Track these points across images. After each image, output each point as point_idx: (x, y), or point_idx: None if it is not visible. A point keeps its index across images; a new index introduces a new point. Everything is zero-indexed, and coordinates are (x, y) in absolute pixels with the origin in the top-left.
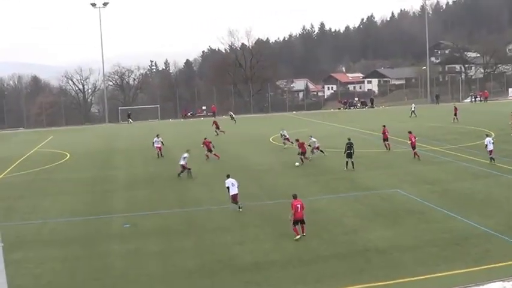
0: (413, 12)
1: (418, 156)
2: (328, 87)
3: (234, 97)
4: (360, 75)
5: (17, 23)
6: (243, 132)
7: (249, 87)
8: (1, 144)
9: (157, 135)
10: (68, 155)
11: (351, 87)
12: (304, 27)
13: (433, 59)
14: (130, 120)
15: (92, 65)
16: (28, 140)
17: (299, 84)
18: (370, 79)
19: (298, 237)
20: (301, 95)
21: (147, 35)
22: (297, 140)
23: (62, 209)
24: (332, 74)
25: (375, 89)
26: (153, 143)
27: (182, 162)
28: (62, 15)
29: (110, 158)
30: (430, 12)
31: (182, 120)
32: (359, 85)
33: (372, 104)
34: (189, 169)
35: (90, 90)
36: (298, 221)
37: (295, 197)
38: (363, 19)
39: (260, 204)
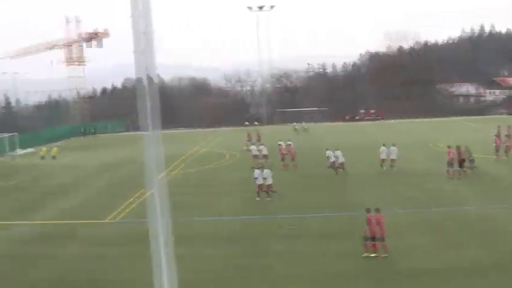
0: None
1: None
2: (490, 92)
3: (395, 100)
4: None
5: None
6: (402, 136)
7: (411, 90)
8: (169, 143)
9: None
10: (228, 155)
11: None
12: (464, 29)
13: None
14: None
15: (253, 67)
16: (193, 139)
17: (462, 88)
18: None
19: (366, 254)
20: (461, 99)
21: (307, 37)
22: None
23: (226, 207)
24: (495, 79)
25: None
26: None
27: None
28: (223, 18)
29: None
30: None
31: (343, 123)
32: None
33: None
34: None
35: (251, 92)
36: (373, 238)
37: (369, 210)
38: None
39: (422, 211)
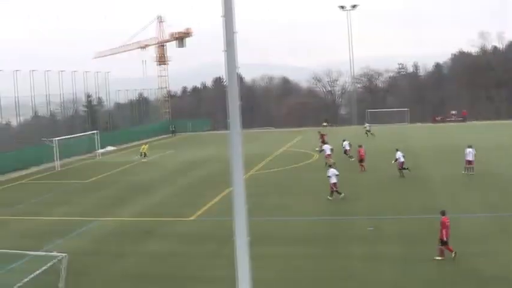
0: None
1: None
2: None
3: (484, 102)
4: None
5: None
6: (489, 138)
7: (501, 92)
8: (252, 142)
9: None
10: (316, 155)
11: None
12: None
13: None
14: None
15: (340, 67)
16: (277, 139)
17: None
18: None
19: (440, 258)
20: None
21: (395, 37)
22: None
23: (306, 208)
24: None
25: None
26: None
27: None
28: (312, 17)
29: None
30: None
31: (432, 124)
32: None
33: None
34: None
35: (339, 92)
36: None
37: (444, 213)
38: None
39: (502, 215)
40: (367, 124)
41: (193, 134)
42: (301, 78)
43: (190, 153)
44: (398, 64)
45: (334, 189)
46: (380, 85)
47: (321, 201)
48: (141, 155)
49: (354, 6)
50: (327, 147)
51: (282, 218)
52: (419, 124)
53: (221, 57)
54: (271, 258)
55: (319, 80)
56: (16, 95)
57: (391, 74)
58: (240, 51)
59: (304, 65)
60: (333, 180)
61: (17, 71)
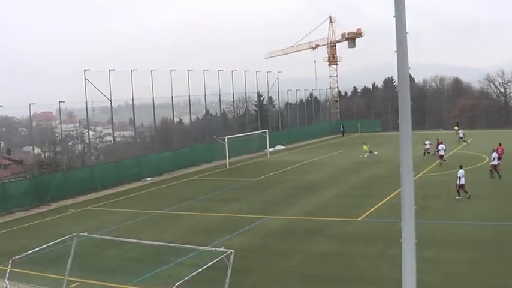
0: None
1: None
2: None
3: None
4: None
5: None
6: None
7: None
8: (418, 144)
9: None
10: (487, 159)
11: None
12: None
13: None
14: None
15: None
16: (447, 140)
17: None
18: None
19: None
20: None
21: None
22: None
23: (477, 212)
24: None
25: None
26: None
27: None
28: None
29: None
30: None
31: None
32: None
33: None
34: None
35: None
36: None
37: None
38: None
39: None
40: (461, 131)
41: (363, 135)
42: (473, 79)
43: (360, 154)
44: None
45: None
46: None
47: (492, 205)
48: (370, 152)
49: None
50: (441, 147)
51: (450, 222)
52: None
53: (392, 58)
54: (438, 262)
55: (491, 81)
56: (189, 94)
57: None
58: (410, 51)
59: (477, 65)
60: (463, 181)
61: (189, 70)
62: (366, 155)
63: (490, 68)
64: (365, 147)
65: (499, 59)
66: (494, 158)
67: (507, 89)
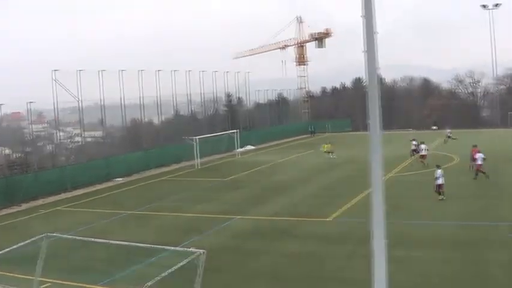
0: None
1: None
2: None
3: None
4: None
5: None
6: None
7: None
8: (391, 144)
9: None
10: (457, 159)
11: None
12: None
13: None
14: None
15: (483, 68)
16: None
17: None
18: None
19: None
20: None
21: None
22: None
23: (447, 212)
24: None
25: None
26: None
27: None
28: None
29: (504, 164)
30: None
31: None
32: None
33: None
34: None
35: (480, 94)
36: None
37: None
38: None
39: None
40: (449, 130)
41: (332, 135)
42: (443, 80)
43: (326, 155)
44: None
45: (440, 190)
46: None
47: (463, 206)
48: (329, 154)
49: (496, 5)
50: (423, 147)
51: (421, 222)
52: None
53: (361, 58)
54: (409, 262)
55: (460, 81)
56: (158, 94)
57: None
58: (381, 52)
59: (445, 66)
60: (441, 182)
61: (159, 70)
62: (331, 155)
63: (459, 69)
64: (325, 146)
65: (468, 59)
66: (476, 159)
67: (476, 89)
